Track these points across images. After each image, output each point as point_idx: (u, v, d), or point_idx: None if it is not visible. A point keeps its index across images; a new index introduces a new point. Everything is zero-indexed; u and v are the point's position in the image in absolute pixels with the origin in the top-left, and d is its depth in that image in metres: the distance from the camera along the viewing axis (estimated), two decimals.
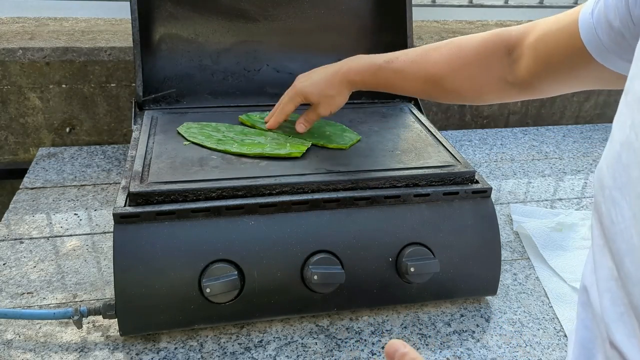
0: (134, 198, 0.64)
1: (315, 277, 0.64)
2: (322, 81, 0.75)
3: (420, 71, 0.70)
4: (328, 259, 0.66)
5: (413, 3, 0.98)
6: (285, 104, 0.80)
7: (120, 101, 1.10)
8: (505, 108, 1.31)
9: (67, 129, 1.10)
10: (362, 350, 0.67)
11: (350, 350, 0.67)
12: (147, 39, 0.94)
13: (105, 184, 0.97)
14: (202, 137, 0.78)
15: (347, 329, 0.70)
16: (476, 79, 0.68)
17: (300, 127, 0.80)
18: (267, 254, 0.65)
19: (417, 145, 0.80)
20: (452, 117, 1.29)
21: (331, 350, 0.66)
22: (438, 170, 0.73)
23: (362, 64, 0.74)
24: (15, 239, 0.82)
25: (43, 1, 1.20)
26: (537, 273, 0.81)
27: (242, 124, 0.86)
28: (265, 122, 0.83)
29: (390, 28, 1.01)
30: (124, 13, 1.22)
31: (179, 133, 0.80)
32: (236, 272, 0.64)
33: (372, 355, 0.66)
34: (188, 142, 0.77)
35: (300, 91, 0.77)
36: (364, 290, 0.69)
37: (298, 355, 0.65)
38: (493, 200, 0.74)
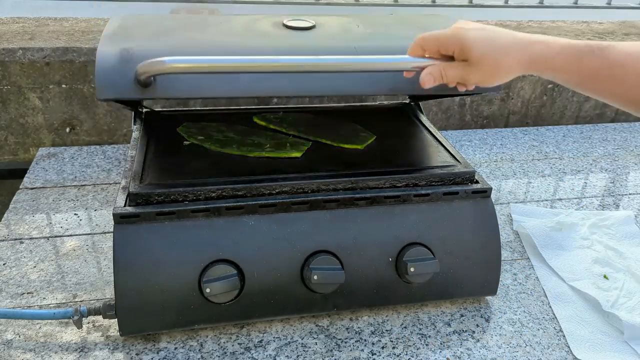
0: (133, 198, 0.64)
1: (315, 277, 0.64)
2: (497, 40, 0.56)
3: None
4: (328, 259, 0.66)
5: (413, 3, 0.98)
6: (416, 46, 0.59)
7: None
8: (505, 108, 1.31)
9: (67, 129, 1.10)
10: (362, 350, 0.67)
11: (350, 350, 0.67)
12: None
13: (105, 184, 0.97)
14: (203, 137, 0.78)
15: (347, 329, 0.70)
16: None
17: (429, 80, 0.58)
18: (267, 254, 0.65)
19: (417, 145, 0.80)
20: (452, 117, 1.29)
21: (331, 350, 0.66)
22: (438, 170, 0.73)
23: (559, 43, 0.55)
24: (15, 239, 0.82)
25: (43, 1, 1.20)
26: (536, 272, 0.81)
27: (257, 124, 0.85)
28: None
29: None
30: (124, 13, 1.22)
31: (179, 133, 0.80)
32: (236, 272, 0.64)
33: (372, 355, 0.66)
34: (188, 142, 0.77)
35: (463, 38, 0.56)
36: (363, 290, 0.69)
37: (298, 355, 0.65)
38: (493, 200, 0.74)
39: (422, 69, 0.59)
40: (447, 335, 0.70)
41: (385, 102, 0.99)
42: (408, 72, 0.63)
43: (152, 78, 0.59)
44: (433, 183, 0.72)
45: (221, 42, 0.68)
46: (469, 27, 0.57)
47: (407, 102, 0.98)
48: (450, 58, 0.59)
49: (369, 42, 0.70)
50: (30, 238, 0.83)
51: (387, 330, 0.70)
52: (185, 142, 0.77)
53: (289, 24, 0.70)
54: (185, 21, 0.75)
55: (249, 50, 0.66)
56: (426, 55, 0.60)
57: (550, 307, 0.75)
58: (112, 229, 0.64)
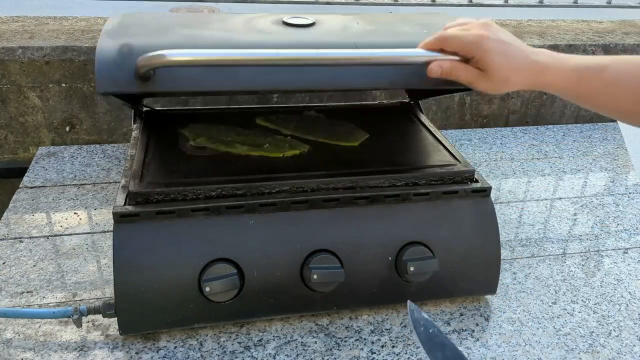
0: (133, 197, 0.64)
1: (315, 276, 0.64)
2: (515, 59, 0.59)
3: None
4: (327, 258, 0.66)
5: (413, 2, 0.98)
6: (435, 41, 0.61)
7: None
8: (505, 107, 1.31)
9: (67, 128, 1.10)
10: (362, 349, 0.67)
11: (350, 349, 0.67)
12: None
13: (105, 183, 0.97)
14: (204, 137, 0.78)
15: (346, 327, 0.70)
16: None
17: (437, 71, 0.60)
18: (266, 253, 0.65)
19: (416, 145, 0.80)
20: (452, 116, 1.29)
21: (331, 349, 0.66)
22: (438, 170, 0.73)
23: (564, 67, 0.59)
24: (15, 238, 0.82)
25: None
26: None
27: (260, 125, 0.85)
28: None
29: None
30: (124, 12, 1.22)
31: (179, 132, 0.80)
32: (236, 271, 0.64)
33: (372, 354, 0.66)
34: (194, 144, 0.77)
35: (487, 50, 0.58)
36: (363, 289, 0.69)
37: (298, 354, 0.65)
38: (493, 200, 0.74)
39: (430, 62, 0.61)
40: (446, 334, 0.70)
41: (385, 102, 0.99)
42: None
43: (152, 72, 0.59)
44: (433, 182, 0.72)
45: (221, 38, 0.68)
46: (494, 38, 0.59)
47: (407, 101, 0.98)
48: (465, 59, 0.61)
49: (369, 38, 0.70)
50: (30, 237, 0.83)
51: (386, 329, 0.70)
52: (190, 142, 0.77)
53: (289, 21, 0.71)
54: (185, 19, 0.75)
55: (249, 45, 0.66)
56: (440, 51, 0.61)
57: (549, 306, 0.75)
58: (111, 228, 0.64)
